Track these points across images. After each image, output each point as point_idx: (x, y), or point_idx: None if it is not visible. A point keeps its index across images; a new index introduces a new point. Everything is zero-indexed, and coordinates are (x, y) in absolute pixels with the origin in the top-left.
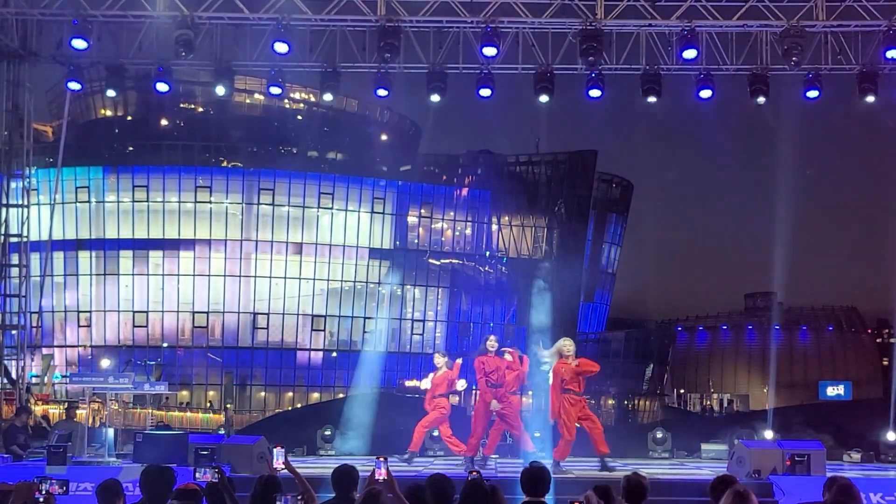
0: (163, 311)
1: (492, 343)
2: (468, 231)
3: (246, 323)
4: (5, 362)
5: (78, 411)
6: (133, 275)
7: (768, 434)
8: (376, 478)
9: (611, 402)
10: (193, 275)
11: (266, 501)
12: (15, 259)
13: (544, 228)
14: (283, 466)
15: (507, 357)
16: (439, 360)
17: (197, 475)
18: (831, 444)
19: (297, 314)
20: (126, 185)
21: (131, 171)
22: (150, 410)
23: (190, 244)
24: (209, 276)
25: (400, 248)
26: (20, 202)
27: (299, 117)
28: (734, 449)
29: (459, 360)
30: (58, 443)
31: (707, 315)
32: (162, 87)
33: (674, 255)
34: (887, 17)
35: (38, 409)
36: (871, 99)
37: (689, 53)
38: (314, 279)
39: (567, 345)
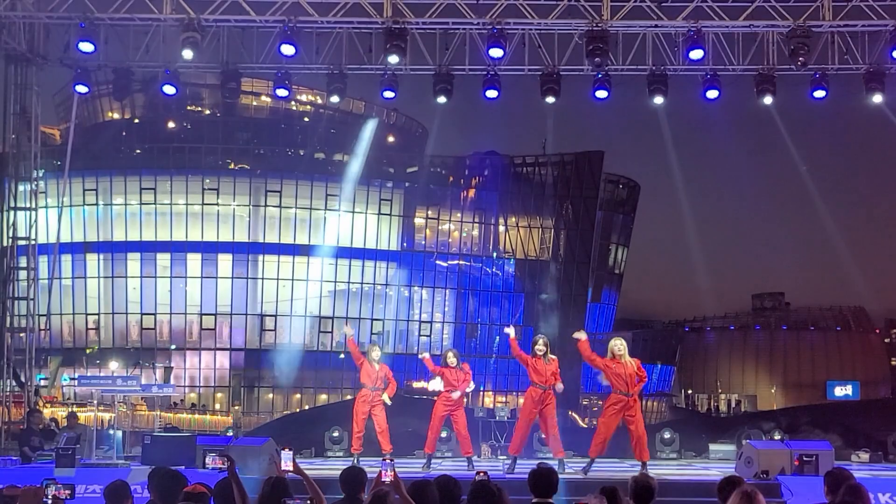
0: (170, 314)
1: (540, 347)
2: (475, 232)
3: (253, 325)
4: (14, 365)
5: (83, 414)
6: (141, 277)
7: (776, 434)
8: (382, 479)
9: None
10: (201, 277)
11: None
12: (23, 262)
13: (551, 229)
14: (292, 468)
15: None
16: (452, 359)
17: (207, 462)
18: (839, 444)
19: (305, 316)
20: (133, 187)
21: (139, 173)
22: (158, 412)
23: (197, 246)
24: (216, 278)
25: (407, 249)
26: (28, 205)
27: (306, 119)
28: (742, 449)
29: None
30: (66, 445)
31: (714, 315)
32: (169, 89)
33: (681, 255)
34: (894, 17)
35: (47, 412)
36: (878, 98)
37: (696, 54)
38: (321, 281)
39: (617, 345)
